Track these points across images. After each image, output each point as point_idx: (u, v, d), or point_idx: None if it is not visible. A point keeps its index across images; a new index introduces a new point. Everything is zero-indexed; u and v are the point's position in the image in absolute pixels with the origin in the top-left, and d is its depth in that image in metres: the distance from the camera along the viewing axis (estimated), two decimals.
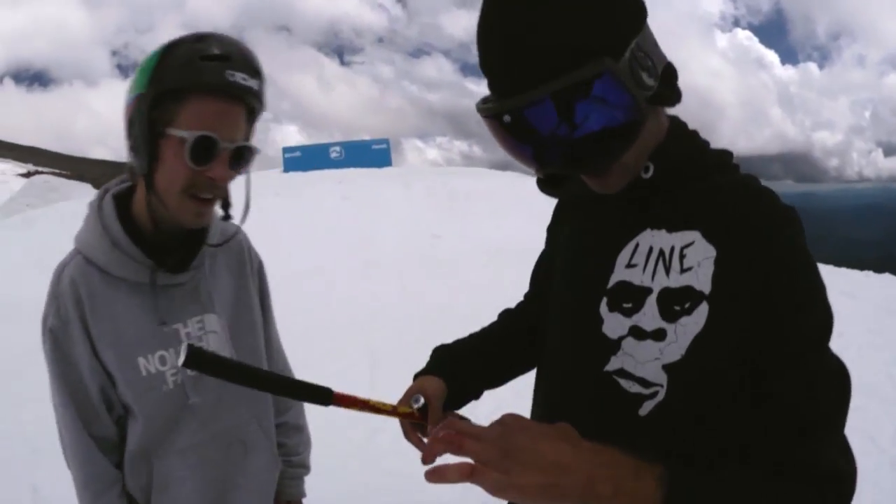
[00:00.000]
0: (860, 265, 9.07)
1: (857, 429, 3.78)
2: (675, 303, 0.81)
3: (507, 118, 0.76)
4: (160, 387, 1.22)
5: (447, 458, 0.69)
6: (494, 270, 7.98)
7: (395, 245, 9.43)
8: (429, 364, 1.17)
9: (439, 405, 1.06)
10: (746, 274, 0.77)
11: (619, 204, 0.91)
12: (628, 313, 0.86)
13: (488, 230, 10.10)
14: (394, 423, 3.86)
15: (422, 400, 1.05)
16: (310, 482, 1.69)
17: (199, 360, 0.82)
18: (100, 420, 1.23)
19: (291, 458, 1.59)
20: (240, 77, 1.05)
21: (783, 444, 0.74)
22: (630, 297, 0.86)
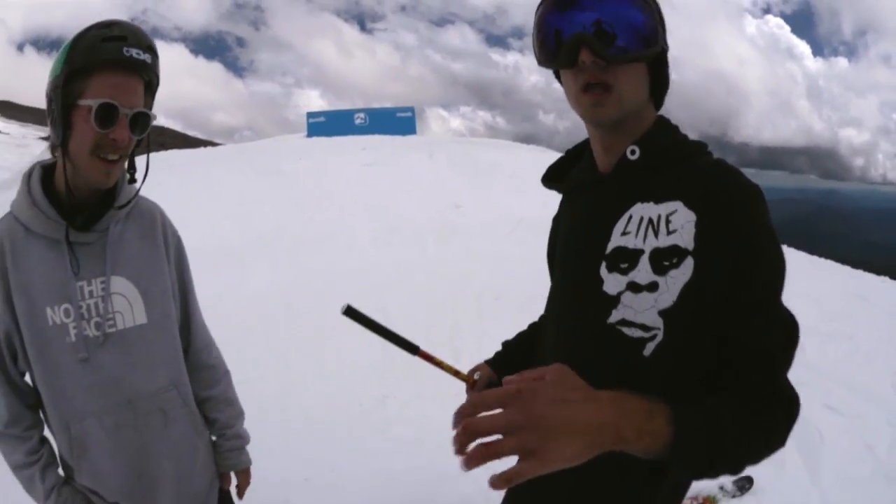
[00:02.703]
0: (877, 269, 8.80)
1: (856, 437, 3.74)
2: (665, 259, 0.99)
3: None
4: (63, 337, 1.35)
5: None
6: (514, 242, 7.91)
7: (416, 213, 9.38)
8: (494, 355, 1.54)
9: (483, 383, 1.45)
10: (721, 235, 0.95)
11: (611, 185, 1.11)
12: (625, 272, 1.04)
13: (510, 202, 10.00)
14: (402, 392, 3.87)
15: (478, 374, 1.46)
16: (320, 445, 1.68)
17: (353, 313, 1.34)
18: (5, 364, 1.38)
19: (226, 431, 1.69)
20: (135, 52, 1.24)
21: (754, 375, 0.93)
22: (626, 259, 1.04)
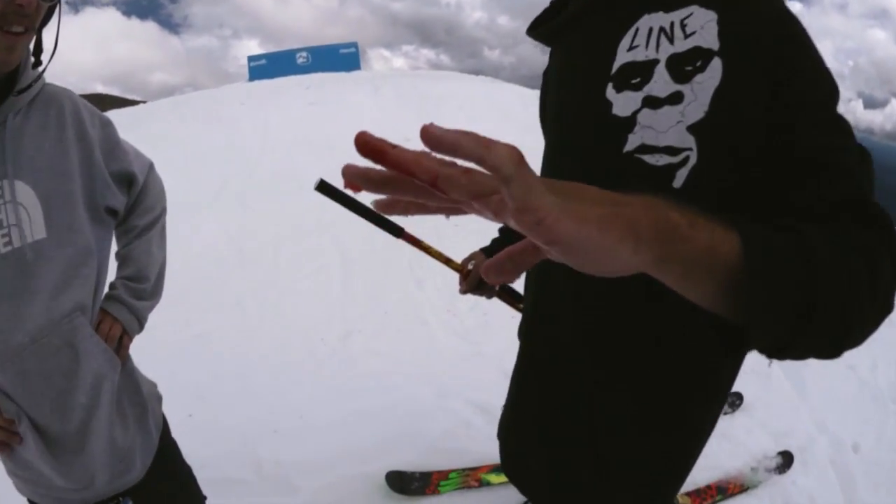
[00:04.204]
0: None
1: (838, 359, 3.76)
2: (686, 64, 0.80)
3: None
4: None
5: None
6: None
7: None
8: (491, 242, 1.38)
9: (477, 274, 1.30)
10: (752, 30, 0.77)
11: (612, 3, 0.92)
12: (638, 87, 0.85)
13: None
14: (367, 326, 3.81)
15: (472, 264, 1.33)
16: (286, 390, 1.61)
17: (326, 188, 1.13)
18: None
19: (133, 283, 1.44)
20: None
21: (831, 189, 0.69)
22: (637, 73, 0.85)
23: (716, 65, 0.78)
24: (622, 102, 0.87)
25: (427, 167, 0.41)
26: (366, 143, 0.42)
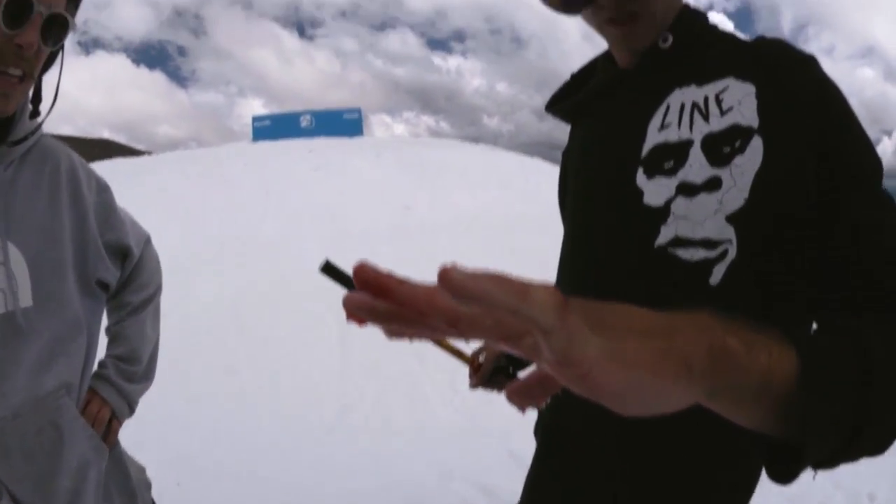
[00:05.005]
0: None
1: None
2: (724, 144, 0.74)
3: None
4: None
5: None
6: (468, 241, 7.87)
7: (366, 215, 9.26)
8: None
9: (489, 367, 1.19)
10: (793, 104, 0.71)
11: (639, 80, 0.87)
12: (671, 172, 0.78)
13: (461, 201, 9.97)
14: (364, 399, 3.69)
15: (483, 356, 1.22)
16: (279, 465, 1.53)
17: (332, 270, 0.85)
18: None
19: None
20: None
21: (886, 273, 0.64)
22: (670, 155, 0.78)
23: (756, 144, 0.72)
24: (654, 190, 0.80)
25: (444, 309, 0.35)
26: (367, 281, 0.35)
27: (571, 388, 0.38)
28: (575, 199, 0.99)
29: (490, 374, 1.21)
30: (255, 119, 20.95)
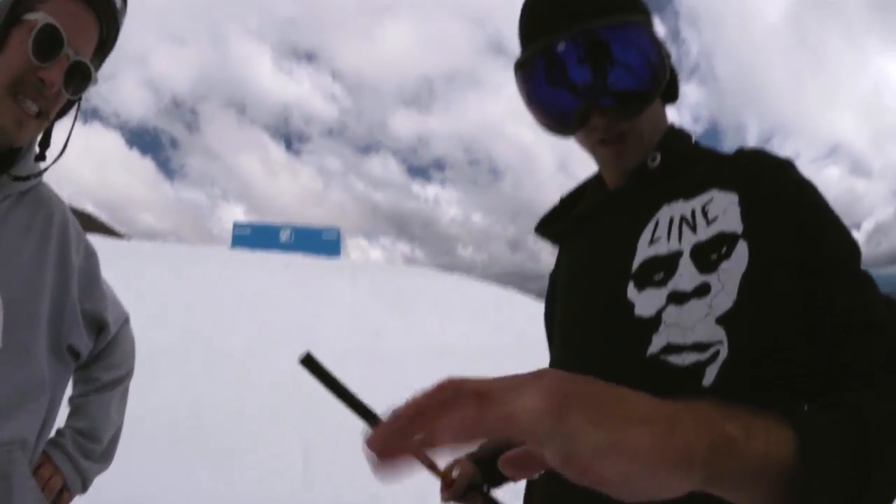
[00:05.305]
0: None
1: None
2: (711, 252, 0.78)
3: (560, 47, 0.84)
4: None
5: None
6: (437, 370, 7.80)
7: (337, 337, 9.28)
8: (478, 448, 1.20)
9: (463, 483, 1.16)
10: (773, 205, 0.77)
11: (628, 198, 0.92)
12: (661, 283, 0.80)
13: (433, 330, 10.07)
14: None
15: (456, 471, 1.19)
16: None
17: (311, 364, 0.92)
18: None
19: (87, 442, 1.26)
20: None
21: (873, 348, 0.67)
22: (660, 267, 0.82)
23: (741, 249, 0.76)
24: (645, 301, 0.81)
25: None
26: (386, 445, 0.40)
27: (571, 478, 0.40)
28: (565, 314, 0.99)
29: (464, 490, 1.19)
30: (235, 225, 21.24)
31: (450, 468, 1.21)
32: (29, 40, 0.94)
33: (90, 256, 1.21)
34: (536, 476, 0.48)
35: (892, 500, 0.55)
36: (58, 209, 1.13)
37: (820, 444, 0.48)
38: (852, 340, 0.69)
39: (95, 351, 1.27)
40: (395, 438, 0.40)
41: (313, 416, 6.20)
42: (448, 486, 1.18)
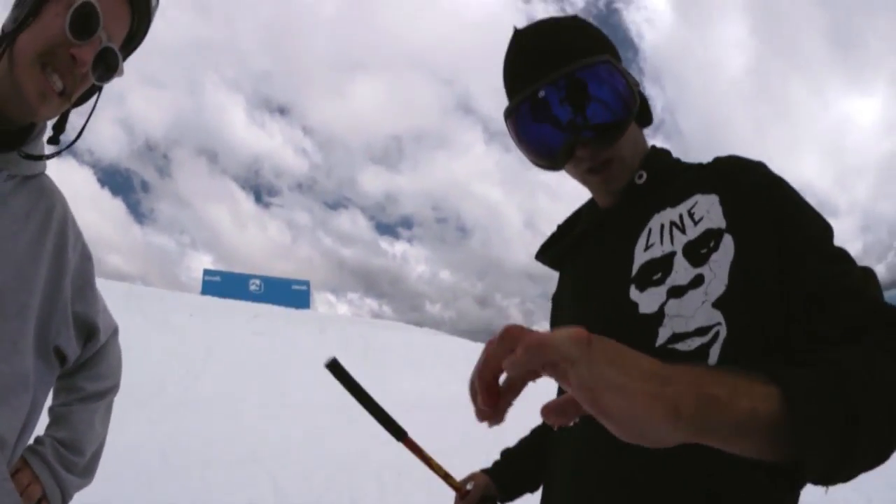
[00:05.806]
0: None
1: None
2: (701, 247, 0.86)
3: (542, 93, 0.94)
4: None
5: None
6: (410, 421, 7.80)
7: (306, 387, 9.23)
8: (493, 464, 1.32)
9: (477, 495, 1.22)
10: (750, 200, 0.86)
11: (620, 214, 1.02)
12: (660, 281, 0.89)
13: (403, 384, 10.06)
14: None
15: (471, 484, 1.24)
16: None
17: (336, 369, 1.05)
18: None
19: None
20: None
21: (850, 312, 0.73)
22: (657, 268, 0.90)
23: (727, 241, 0.84)
24: (647, 300, 0.89)
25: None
26: (490, 395, 0.55)
27: (586, 408, 0.51)
28: (573, 322, 0.94)
29: (477, 502, 1.23)
30: (206, 273, 21.11)
31: (465, 481, 1.25)
32: (67, 15, 0.91)
33: (86, 259, 1.16)
34: (572, 423, 0.55)
35: (889, 452, 0.60)
36: (60, 203, 1.09)
37: (803, 397, 0.54)
38: (831, 305, 0.75)
39: (82, 359, 1.21)
40: (488, 395, 0.54)
41: (285, 459, 6.21)
42: (462, 497, 1.22)
